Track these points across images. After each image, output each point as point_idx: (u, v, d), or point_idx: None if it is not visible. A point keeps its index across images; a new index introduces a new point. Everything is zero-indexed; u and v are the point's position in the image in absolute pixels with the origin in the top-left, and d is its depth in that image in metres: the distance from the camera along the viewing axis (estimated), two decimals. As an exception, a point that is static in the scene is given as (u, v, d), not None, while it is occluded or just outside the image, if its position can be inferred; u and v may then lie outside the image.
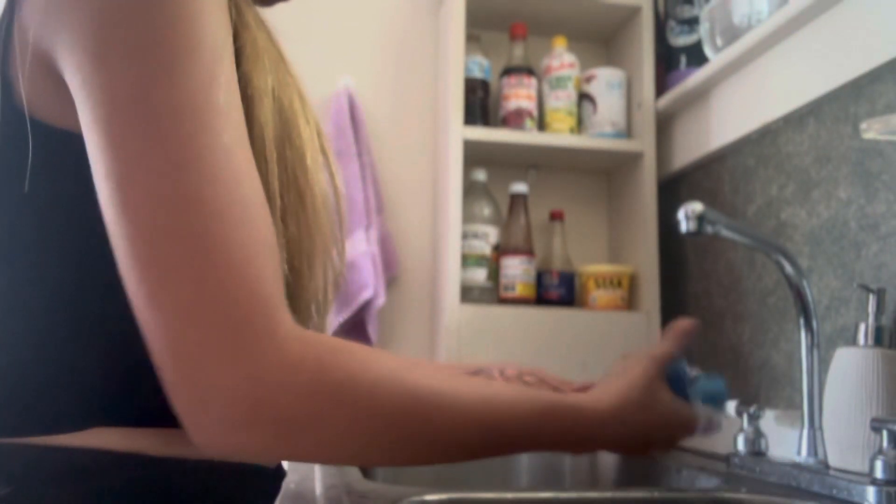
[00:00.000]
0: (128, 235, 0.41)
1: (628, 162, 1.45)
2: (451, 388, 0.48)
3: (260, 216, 0.44)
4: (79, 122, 0.43)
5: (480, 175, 1.43)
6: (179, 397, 0.41)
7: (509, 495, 0.75)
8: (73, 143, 0.45)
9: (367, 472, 0.98)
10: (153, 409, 0.47)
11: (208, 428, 0.41)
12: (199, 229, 0.41)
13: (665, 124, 1.44)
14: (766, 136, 1.15)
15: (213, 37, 0.44)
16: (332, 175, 0.61)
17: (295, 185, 0.52)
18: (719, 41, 1.21)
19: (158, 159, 0.41)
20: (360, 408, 0.44)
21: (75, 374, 0.47)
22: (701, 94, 1.30)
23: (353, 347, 0.46)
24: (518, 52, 1.44)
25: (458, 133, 1.34)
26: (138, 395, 0.48)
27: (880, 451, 0.69)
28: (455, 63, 1.37)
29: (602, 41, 1.59)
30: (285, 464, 0.83)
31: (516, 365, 0.81)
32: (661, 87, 1.42)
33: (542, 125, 1.46)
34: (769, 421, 0.99)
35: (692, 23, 1.37)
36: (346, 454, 0.46)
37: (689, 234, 0.75)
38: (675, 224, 0.77)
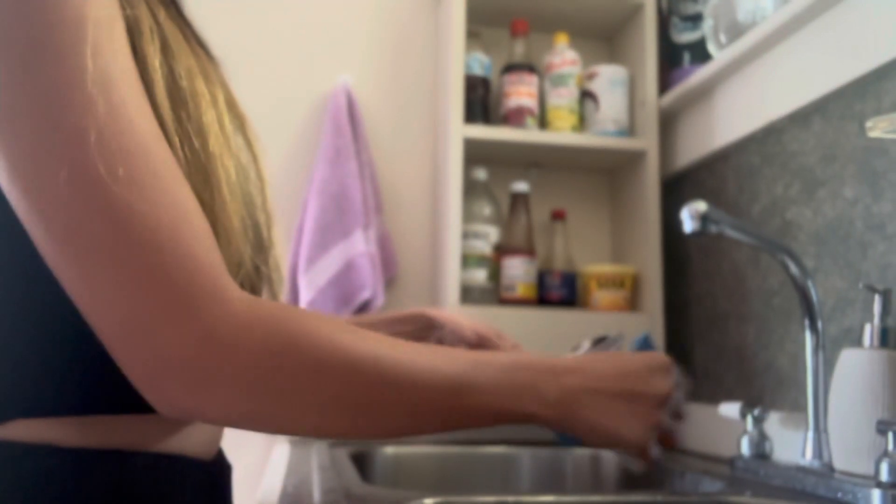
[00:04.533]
0: (46, 228, 0.42)
1: (631, 160, 1.44)
2: (406, 351, 0.49)
3: (178, 183, 0.45)
4: None
5: (481, 174, 1.42)
6: (136, 368, 0.42)
7: (510, 499, 0.74)
8: None
9: (365, 476, 0.98)
10: (75, 398, 0.47)
11: (169, 392, 0.43)
12: (115, 204, 0.41)
13: (668, 122, 1.43)
14: (770, 135, 1.14)
15: (75, 12, 0.43)
16: (255, 161, 0.60)
17: (199, 169, 0.50)
18: (723, 38, 1.20)
19: (50, 146, 0.41)
20: (319, 362, 0.45)
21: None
22: (705, 92, 1.29)
23: (301, 309, 0.48)
24: (519, 49, 1.43)
25: (458, 131, 1.33)
26: (58, 385, 0.48)
27: (886, 454, 0.68)
28: (455, 60, 1.36)
29: (604, 38, 1.58)
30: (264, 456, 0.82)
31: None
32: (664, 85, 1.41)
33: (543, 123, 1.45)
34: (774, 423, 0.98)
35: (696, 19, 1.36)
36: (309, 415, 0.46)
37: (692, 233, 0.75)
38: (679, 224, 0.76)
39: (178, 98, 0.50)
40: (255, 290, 0.56)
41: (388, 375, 0.47)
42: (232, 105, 0.59)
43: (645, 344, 0.72)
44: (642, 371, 0.58)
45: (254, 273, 0.55)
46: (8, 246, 0.47)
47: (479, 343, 0.89)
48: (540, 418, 0.52)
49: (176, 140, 0.48)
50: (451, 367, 0.50)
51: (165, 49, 0.51)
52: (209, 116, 0.52)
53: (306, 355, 0.45)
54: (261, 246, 0.58)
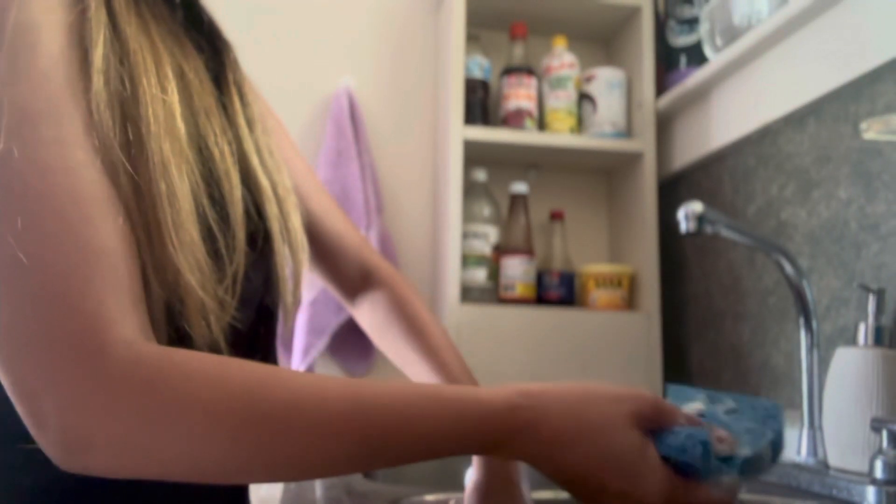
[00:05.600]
0: None
1: (628, 162, 1.45)
2: (313, 386, 0.43)
3: (85, 219, 0.41)
4: None
5: (480, 175, 1.43)
6: (30, 430, 0.40)
7: (509, 495, 0.74)
8: None
9: (367, 473, 0.98)
10: None
11: (52, 452, 0.40)
12: (4, 254, 0.39)
13: (665, 124, 1.44)
14: (766, 136, 1.15)
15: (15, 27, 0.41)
16: (216, 179, 0.54)
17: (140, 187, 0.46)
18: (719, 41, 1.21)
19: None
20: (198, 417, 0.40)
21: None
22: (701, 94, 1.30)
23: (196, 357, 0.42)
24: (518, 52, 1.44)
25: (458, 133, 1.34)
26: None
27: (880, 451, 0.69)
28: (455, 63, 1.37)
29: (602, 41, 1.59)
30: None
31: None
32: (661, 87, 1.42)
33: (542, 125, 1.46)
34: (769, 421, 0.98)
35: (692, 23, 1.37)
36: (206, 466, 0.41)
37: (689, 234, 0.75)
38: (676, 224, 0.77)
39: (118, 101, 0.46)
40: (215, 316, 0.50)
41: (288, 428, 0.41)
42: (203, 101, 0.54)
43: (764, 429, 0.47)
44: (635, 464, 0.45)
45: (212, 301, 0.49)
46: None
47: None
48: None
49: (111, 148, 0.44)
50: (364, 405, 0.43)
51: (112, 46, 0.47)
52: (152, 119, 0.47)
53: (187, 412, 0.40)
54: (258, 255, 0.55)
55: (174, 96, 0.50)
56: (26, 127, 0.41)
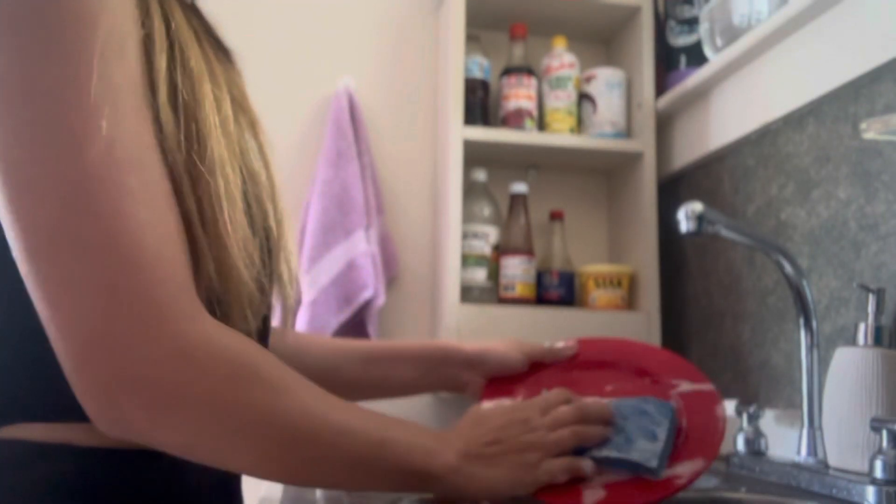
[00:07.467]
0: (29, 228, 0.41)
1: (628, 162, 1.46)
2: (344, 408, 0.51)
3: (167, 202, 0.45)
4: None
5: (480, 175, 1.43)
6: (97, 381, 0.42)
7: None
8: None
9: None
10: (73, 404, 0.47)
11: (126, 409, 0.42)
12: (108, 214, 0.41)
13: (665, 124, 1.44)
14: (765, 136, 1.15)
15: (89, 18, 0.43)
16: (266, 166, 0.58)
17: (199, 179, 0.49)
18: (719, 41, 1.21)
19: (50, 145, 0.41)
20: (272, 403, 0.46)
21: None
22: (701, 94, 1.30)
23: (259, 346, 0.48)
24: (518, 52, 1.45)
25: (458, 133, 1.35)
26: (56, 391, 0.47)
27: (880, 451, 0.69)
28: (455, 63, 1.37)
29: (602, 41, 1.59)
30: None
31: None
32: (660, 87, 1.43)
33: (542, 125, 1.46)
34: (769, 421, 0.99)
35: (692, 23, 1.37)
36: (248, 454, 0.47)
37: (688, 233, 0.75)
38: (675, 224, 0.77)
39: (181, 105, 0.49)
40: (255, 307, 0.54)
41: (331, 431, 0.49)
42: (243, 109, 0.58)
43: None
44: (514, 423, 0.58)
45: (257, 293, 0.53)
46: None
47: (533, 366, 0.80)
48: (444, 481, 0.54)
49: (174, 148, 0.48)
50: (375, 426, 0.52)
51: (174, 55, 0.50)
52: (211, 121, 0.51)
53: (263, 393, 0.46)
54: (269, 255, 0.57)
55: (227, 99, 0.54)
56: (119, 99, 0.44)
